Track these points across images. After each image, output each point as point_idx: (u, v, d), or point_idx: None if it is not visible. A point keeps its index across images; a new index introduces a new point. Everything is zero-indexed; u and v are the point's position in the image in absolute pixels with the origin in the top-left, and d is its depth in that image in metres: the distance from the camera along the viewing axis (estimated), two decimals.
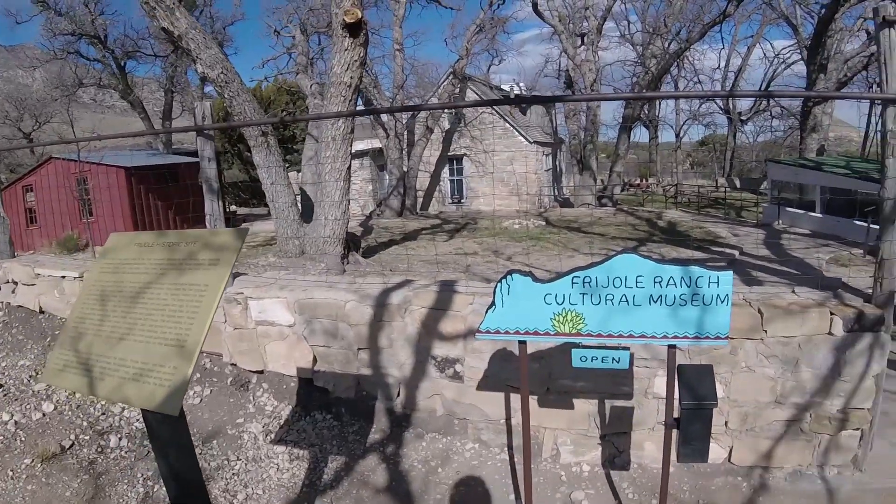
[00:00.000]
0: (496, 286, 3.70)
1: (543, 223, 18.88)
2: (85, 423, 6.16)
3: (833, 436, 5.06)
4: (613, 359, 3.70)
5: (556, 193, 32.15)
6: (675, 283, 3.52)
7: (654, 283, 3.53)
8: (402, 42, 24.36)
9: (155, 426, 2.96)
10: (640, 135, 43.87)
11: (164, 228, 23.32)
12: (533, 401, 5.39)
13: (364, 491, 5.07)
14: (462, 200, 28.90)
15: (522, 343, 3.80)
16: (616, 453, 5.36)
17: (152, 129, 29.96)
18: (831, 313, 4.90)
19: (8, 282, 8.96)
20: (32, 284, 8.56)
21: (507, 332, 3.74)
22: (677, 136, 47.27)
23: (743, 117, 43.06)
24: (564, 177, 36.98)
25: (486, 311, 3.75)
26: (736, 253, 12.27)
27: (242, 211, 31.25)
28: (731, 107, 41.85)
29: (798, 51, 31.67)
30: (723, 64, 40.14)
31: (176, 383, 2.63)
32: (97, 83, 30.95)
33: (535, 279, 3.63)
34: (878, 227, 11.99)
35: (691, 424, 3.87)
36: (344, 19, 8.77)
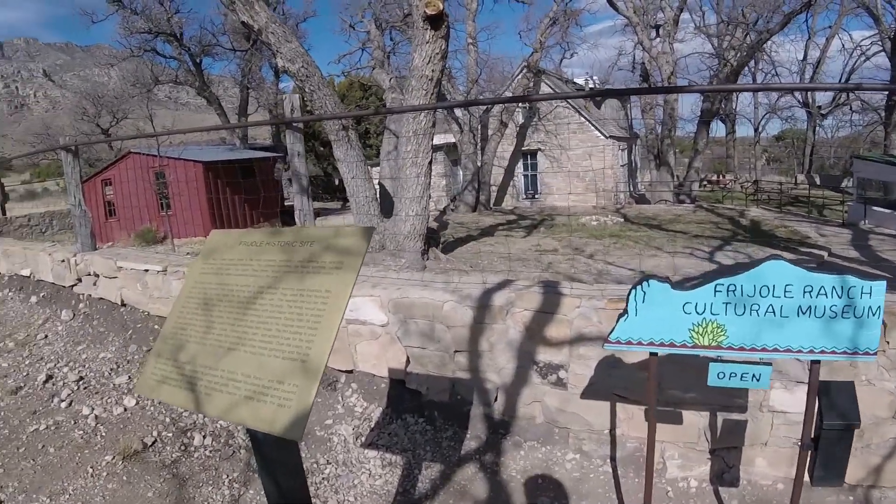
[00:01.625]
0: (630, 292, 3.41)
1: (622, 220, 18.57)
2: (167, 420, 6.08)
3: None
4: (754, 376, 3.38)
5: (632, 189, 31.53)
6: (825, 294, 3.19)
7: (805, 292, 3.19)
8: (475, 36, 24.23)
9: (264, 445, 2.71)
10: (717, 129, 42.74)
11: (239, 223, 23.68)
12: (639, 411, 5.10)
13: (461, 502, 4.83)
14: (536, 196, 28.65)
15: (654, 355, 3.50)
16: (725, 469, 5.02)
17: (232, 124, 30.46)
18: None
19: (89, 274, 9.05)
20: (114, 277, 8.61)
21: (639, 343, 3.45)
22: (756, 130, 45.89)
23: (823, 111, 41.60)
24: (639, 172, 36.29)
25: (617, 320, 3.47)
26: (825, 254, 11.77)
27: (315, 205, 31.54)
28: (810, 100, 40.51)
29: (879, 42, 30.48)
30: (800, 56, 38.82)
31: (299, 405, 2.35)
32: (173, 80, 31.66)
33: (674, 286, 3.33)
34: None
35: (832, 446, 3.56)
36: (425, 11, 8.61)
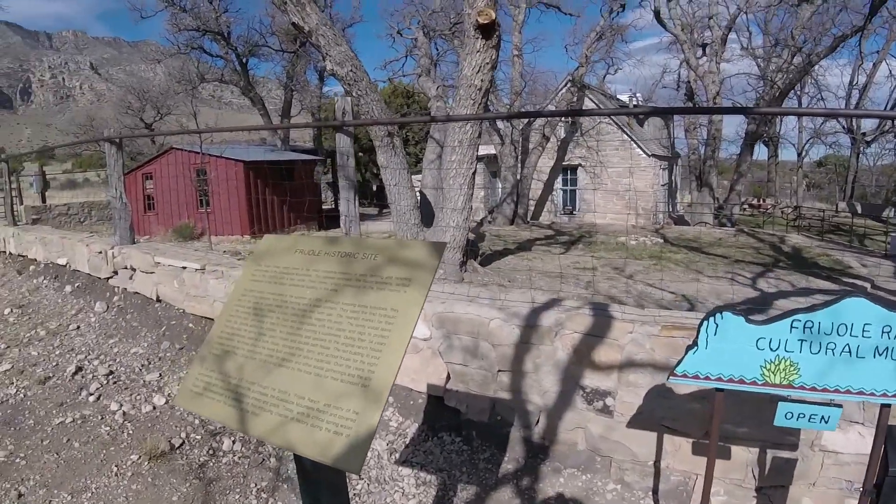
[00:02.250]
0: (701, 324, 3.25)
1: (661, 240, 18.34)
2: (197, 422, 6.00)
3: None
4: (823, 418, 3.22)
5: (671, 210, 31.18)
6: None
7: (883, 332, 3.02)
8: (521, 47, 24.11)
9: (310, 467, 2.52)
10: (759, 152, 42.16)
11: (276, 224, 23.76)
12: (687, 444, 4.92)
13: None
14: (574, 212, 28.42)
15: (720, 391, 3.33)
16: None
17: (280, 124, 30.65)
18: None
19: (126, 268, 9.06)
20: (151, 272, 8.60)
21: (706, 378, 3.29)
22: (799, 155, 45.20)
23: (867, 138, 40.88)
24: (679, 193, 35.91)
25: (686, 352, 3.31)
26: (868, 286, 11.45)
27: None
28: (854, 127, 39.84)
29: None
30: (847, 80, 38.19)
31: (359, 434, 2.14)
32: (219, 79, 31.94)
33: (749, 320, 3.16)
34: None
35: (893, 493, 3.37)
36: (477, 20, 8.52)
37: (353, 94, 10.39)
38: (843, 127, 41.03)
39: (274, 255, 3.06)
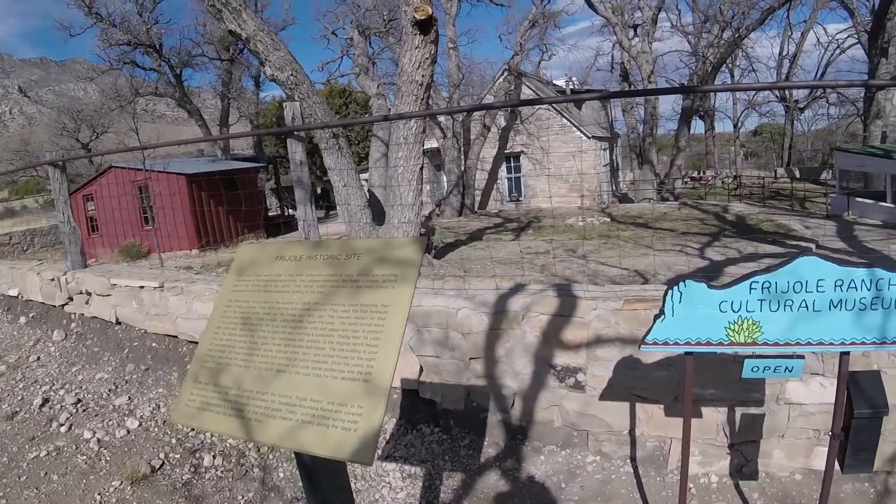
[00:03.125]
0: (666, 293, 3.40)
1: (608, 219, 18.64)
2: (174, 441, 5.97)
3: None
4: (787, 368, 3.40)
5: (615, 189, 31.68)
6: (856, 287, 3.22)
7: (836, 287, 3.21)
8: (455, 40, 24.21)
9: (313, 469, 2.61)
10: (696, 126, 43.06)
11: (225, 235, 23.51)
12: (659, 410, 5.12)
13: None
14: (521, 198, 28.66)
15: (689, 354, 3.49)
16: (744, 462, 5.06)
17: (228, 134, 30.31)
18: None
19: (81, 292, 8.87)
20: (108, 295, 8.44)
21: (675, 344, 3.44)
22: (735, 126, 46.29)
23: (800, 105, 42.04)
24: (621, 171, 36.48)
25: (654, 321, 3.46)
26: (812, 246, 11.86)
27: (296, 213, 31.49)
28: (787, 95, 40.93)
29: (855, 35, 30.85)
30: (777, 51, 39.28)
31: (368, 427, 2.23)
32: (153, 92, 31.43)
33: (710, 286, 3.33)
34: None
35: (862, 434, 3.62)
36: (414, 16, 8.59)
37: (296, 97, 10.35)
38: (777, 96, 42.13)
39: (256, 265, 3.09)
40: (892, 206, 15.57)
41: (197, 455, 5.75)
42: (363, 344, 2.43)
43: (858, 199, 17.36)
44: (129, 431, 6.18)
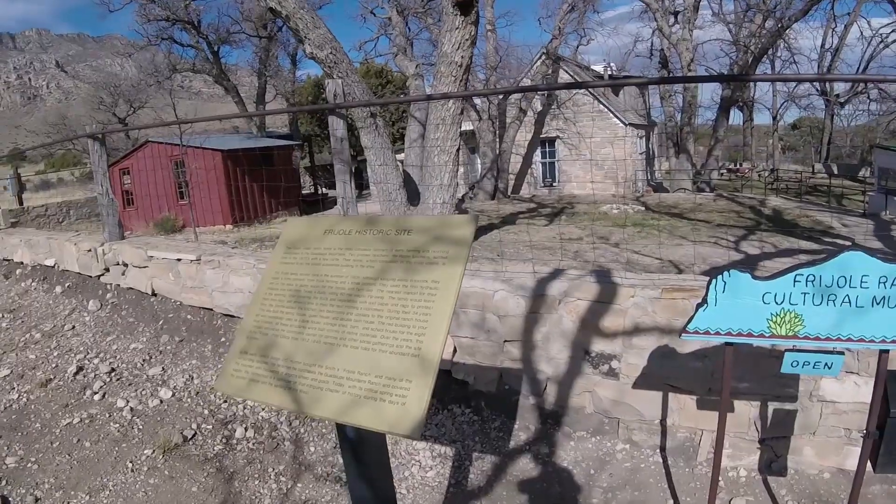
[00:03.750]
0: (710, 282, 3.39)
1: (643, 208, 18.50)
2: (206, 412, 6.06)
3: None
4: (826, 364, 3.38)
5: (650, 177, 31.38)
6: None
7: (880, 283, 3.18)
8: (494, 22, 24.06)
9: (355, 442, 2.64)
10: (734, 117, 42.42)
11: (259, 212, 23.71)
12: (692, 401, 5.10)
13: (514, 493, 4.83)
14: (554, 184, 28.51)
15: (730, 345, 3.48)
16: (773, 458, 5.02)
17: (270, 110, 30.53)
18: None
19: (118, 264, 9.02)
20: (144, 267, 8.57)
21: (717, 333, 3.44)
22: (774, 118, 45.55)
23: (841, 100, 41.21)
24: (657, 160, 36.11)
25: (696, 310, 3.45)
26: (849, 244, 11.68)
27: (333, 193, 31.50)
28: (828, 89, 40.15)
29: None
30: (819, 43, 38.49)
31: (416, 402, 2.25)
32: (191, 68, 31.64)
33: (755, 276, 3.31)
34: None
35: None
36: None
37: (335, 75, 10.37)
38: (817, 89, 41.32)
39: (306, 239, 3.12)
40: None
41: (229, 427, 5.83)
42: (413, 319, 2.45)
43: None
44: (161, 401, 6.29)
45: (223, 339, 7.47)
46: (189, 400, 6.31)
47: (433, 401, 6.03)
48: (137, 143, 26.01)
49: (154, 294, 8.60)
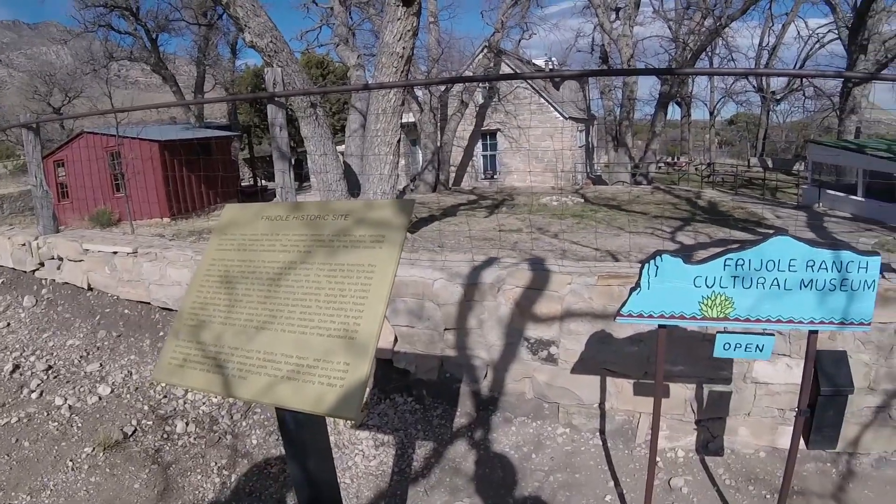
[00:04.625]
0: (643, 267, 3.46)
1: (581, 200, 18.68)
2: (146, 408, 5.97)
3: None
4: (758, 346, 3.49)
5: (589, 170, 31.80)
6: (825, 268, 3.30)
7: (807, 267, 3.29)
8: (437, 14, 24.01)
9: (293, 428, 2.63)
10: (673, 112, 43.27)
11: (197, 204, 23.29)
12: (629, 384, 5.21)
13: (457, 479, 4.87)
14: (495, 176, 28.66)
15: (663, 328, 3.56)
16: (710, 438, 5.19)
17: (210, 99, 29.92)
18: None
19: (53, 258, 8.76)
20: (80, 260, 8.35)
21: (650, 316, 3.51)
22: (711, 113, 46.60)
23: (777, 96, 42.36)
24: (596, 153, 36.59)
25: (630, 294, 3.52)
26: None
27: (273, 185, 31.16)
28: (764, 85, 41.23)
29: (835, 30, 31.08)
30: (757, 41, 39.55)
31: (352, 383, 2.25)
32: (128, 57, 30.83)
33: (686, 261, 3.39)
34: None
35: (827, 411, 3.74)
36: None
37: (274, 65, 10.24)
38: (754, 86, 42.38)
39: (239, 224, 3.10)
40: (862, 199, 15.79)
41: (169, 422, 5.76)
42: (350, 302, 2.46)
43: (830, 192, 17.60)
44: (100, 398, 6.16)
45: (161, 334, 7.35)
46: (128, 396, 6.20)
47: (375, 390, 6.04)
48: (72, 134, 25.24)
49: (90, 288, 8.38)
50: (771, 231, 12.28)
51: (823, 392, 3.69)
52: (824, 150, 19.25)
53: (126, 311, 7.89)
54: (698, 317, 3.45)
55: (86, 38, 30.69)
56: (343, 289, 2.51)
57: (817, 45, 36.55)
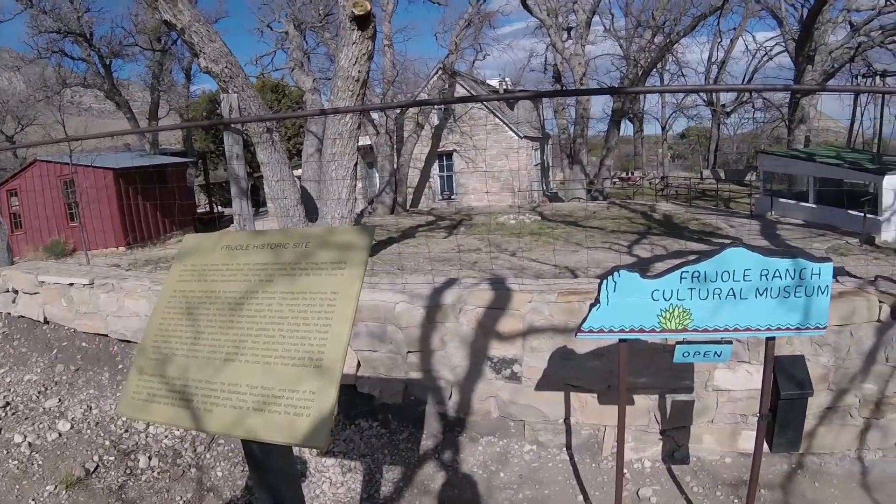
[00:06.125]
0: (601, 283, 3.51)
1: (539, 218, 18.81)
2: (108, 443, 5.84)
3: (877, 419, 5.10)
4: (716, 353, 3.57)
5: (546, 188, 32.10)
6: (780, 276, 3.40)
7: (762, 275, 3.38)
8: (391, 37, 24.13)
9: (260, 457, 2.58)
10: (625, 128, 43.98)
11: (153, 232, 22.98)
12: (593, 399, 5.26)
13: (426, 501, 4.86)
14: (452, 196, 28.79)
15: (623, 342, 3.62)
16: (675, 447, 5.26)
17: (163, 126, 29.56)
18: (879, 301, 4.94)
19: (8, 290, 8.55)
20: (35, 293, 8.16)
21: (610, 331, 3.56)
22: (663, 128, 47.47)
23: (727, 109, 43.32)
24: (551, 171, 36.95)
25: (590, 310, 3.56)
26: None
27: (230, 211, 30.86)
28: (714, 99, 42.12)
29: (782, 43, 31.90)
30: (706, 56, 40.46)
31: (320, 411, 2.23)
32: (82, 83, 30.43)
33: (643, 276, 3.45)
34: (872, 216, 12.11)
35: (789, 414, 3.84)
36: (353, 11, 8.54)
37: (230, 91, 10.19)
38: (704, 100, 43.31)
39: (199, 253, 3.06)
40: (814, 206, 16.19)
41: (132, 457, 5.64)
42: (314, 329, 2.44)
43: (782, 200, 18.02)
44: (60, 434, 6.02)
45: (120, 367, 7.22)
46: (89, 431, 6.06)
47: (340, 416, 6.00)
48: (26, 163, 24.76)
49: (47, 321, 8.19)
50: (726, 241, 12.53)
51: (784, 396, 3.79)
52: (775, 159, 19.73)
53: (84, 344, 7.74)
54: (657, 330, 3.51)
55: (39, 65, 30.23)
56: (306, 316, 2.49)
57: (765, 58, 37.53)
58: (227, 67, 10.00)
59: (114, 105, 31.52)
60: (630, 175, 43.44)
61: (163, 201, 23.40)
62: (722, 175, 38.06)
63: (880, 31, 23.98)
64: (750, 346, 4.94)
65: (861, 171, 14.82)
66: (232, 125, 6.26)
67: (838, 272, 5.54)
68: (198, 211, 29.54)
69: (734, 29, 38.69)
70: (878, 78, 25.12)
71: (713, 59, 40.93)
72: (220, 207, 33.51)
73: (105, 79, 30.03)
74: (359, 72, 9.27)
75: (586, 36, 27.90)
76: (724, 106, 42.85)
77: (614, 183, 36.58)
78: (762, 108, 40.76)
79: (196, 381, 2.57)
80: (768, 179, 19.68)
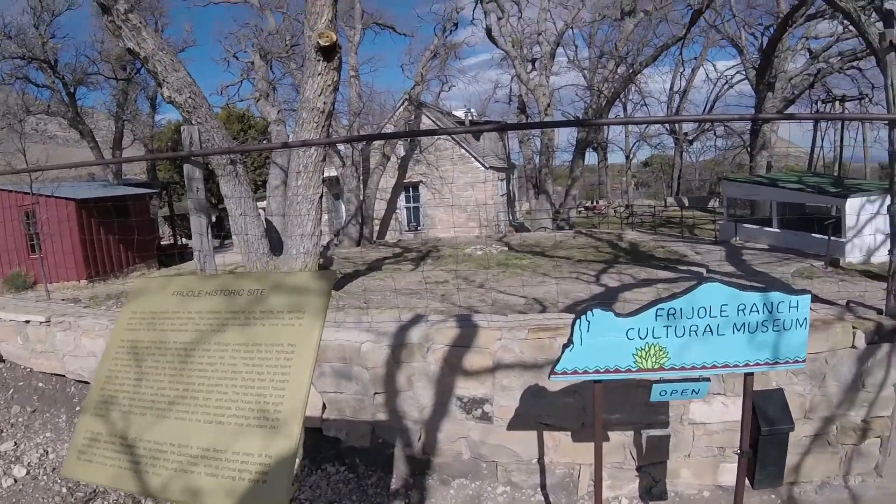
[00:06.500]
0: (574, 322, 3.40)
1: (506, 248, 18.78)
2: (64, 490, 5.61)
3: (857, 445, 5.11)
4: (693, 390, 3.49)
5: (512, 218, 32.15)
6: (757, 310, 3.34)
7: (738, 311, 3.30)
8: (357, 68, 24.10)
9: None
10: (590, 157, 44.42)
11: (115, 265, 22.51)
12: (566, 437, 5.14)
13: None
14: (419, 228, 28.68)
15: (598, 383, 3.50)
16: (653, 483, 5.17)
17: (123, 158, 29.09)
18: (853, 327, 4.98)
19: None
20: None
21: (585, 372, 3.45)
22: (627, 157, 47.99)
23: (689, 137, 43.91)
24: (517, 201, 37.07)
25: (563, 351, 3.45)
26: (703, 271, 12.29)
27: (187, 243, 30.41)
28: (677, 128, 42.67)
29: (742, 71, 32.49)
30: (668, 86, 41.00)
31: (277, 473, 2.07)
32: (45, 111, 29.93)
33: (617, 314, 3.35)
34: (836, 239, 12.27)
35: (768, 450, 3.79)
36: (318, 42, 8.44)
37: (193, 121, 10.01)
38: (667, 129, 43.90)
39: (149, 298, 2.87)
40: (778, 230, 16.34)
41: None
42: (269, 385, 2.29)
43: (745, 225, 18.18)
44: (16, 480, 5.79)
45: (77, 409, 6.97)
46: (45, 477, 5.84)
47: (305, 461, 5.80)
48: None
49: (3, 360, 7.94)
50: (693, 268, 12.55)
51: (764, 432, 3.73)
52: (737, 185, 19.96)
53: (40, 384, 7.47)
54: (633, 369, 3.42)
55: (2, 90, 29.69)
56: (261, 371, 2.33)
57: (726, 87, 38.16)
58: (190, 97, 9.83)
59: (78, 134, 31.03)
60: (595, 204, 43.75)
61: (124, 235, 22.97)
62: (685, 202, 38.44)
63: (839, 58, 24.54)
64: (724, 378, 4.88)
65: (824, 194, 15.00)
66: (193, 158, 6.08)
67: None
68: (161, 243, 29.06)
69: (696, 58, 39.40)
70: (837, 103, 25.65)
71: (675, 89, 41.51)
72: (184, 239, 33.01)
73: (69, 107, 29.56)
74: (324, 103, 9.15)
75: (551, 67, 28.16)
76: (686, 134, 43.42)
77: (580, 212, 36.80)
78: (723, 135, 41.49)
79: (144, 440, 2.40)
80: (731, 205, 19.88)
